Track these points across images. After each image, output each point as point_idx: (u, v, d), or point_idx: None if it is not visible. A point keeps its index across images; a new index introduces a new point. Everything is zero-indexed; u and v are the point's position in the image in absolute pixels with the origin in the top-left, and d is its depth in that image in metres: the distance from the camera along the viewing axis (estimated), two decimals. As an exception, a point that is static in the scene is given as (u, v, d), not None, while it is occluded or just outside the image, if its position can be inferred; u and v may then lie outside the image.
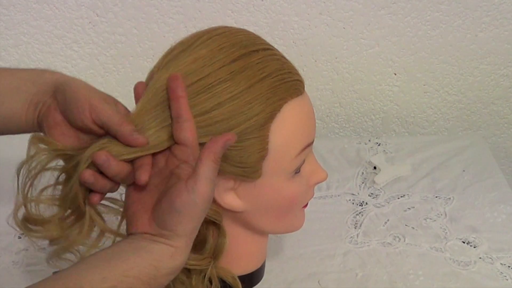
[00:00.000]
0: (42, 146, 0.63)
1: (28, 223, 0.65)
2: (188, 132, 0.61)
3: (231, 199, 0.70)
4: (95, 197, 0.63)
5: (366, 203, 1.05)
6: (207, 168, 0.58)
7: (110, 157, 0.60)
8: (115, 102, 0.65)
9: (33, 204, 0.64)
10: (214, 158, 0.58)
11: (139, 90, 0.65)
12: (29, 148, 0.63)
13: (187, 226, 0.59)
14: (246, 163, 0.66)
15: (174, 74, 0.62)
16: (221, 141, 0.59)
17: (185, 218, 0.58)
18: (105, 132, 0.62)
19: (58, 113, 0.64)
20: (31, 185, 0.63)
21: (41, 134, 0.64)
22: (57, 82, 0.65)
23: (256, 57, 0.65)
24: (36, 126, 0.66)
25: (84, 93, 0.62)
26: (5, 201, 1.05)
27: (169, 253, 0.59)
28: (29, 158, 0.62)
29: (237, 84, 0.63)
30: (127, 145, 0.61)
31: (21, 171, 0.63)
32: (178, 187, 0.59)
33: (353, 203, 1.06)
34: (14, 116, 0.66)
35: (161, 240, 0.59)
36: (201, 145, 0.63)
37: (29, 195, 0.64)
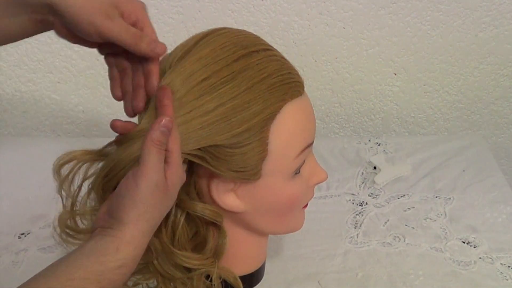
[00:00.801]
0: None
1: (71, 231, 0.67)
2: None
3: (231, 200, 0.70)
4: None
5: (366, 203, 1.05)
6: (146, 152, 0.59)
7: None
8: (118, 11, 0.62)
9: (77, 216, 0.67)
10: (152, 143, 0.59)
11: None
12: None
13: (131, 212, 0.59)
14: (247, 167, 0.66)
15: (163, 86, 0.63)
16: (156, 125, 0.59)
17: (128, 202, 0.59)
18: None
19: (64, 28, 0.62)
20: (76, 196, 0.66)
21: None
22: (49, 3, 0.60)
23: (257, 58, 0.65)
24: (35, 33, 0.66)
25: (84, 19, 0.59)
26: (6, 201, 1.05)
27: (115, 246, 0.59)
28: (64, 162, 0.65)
29: (239, 84, 0.64)
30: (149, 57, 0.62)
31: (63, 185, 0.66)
32: (127, 175, 0.60)
33: (353, 203, 1.06)
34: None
35: (108, 232, 0.59)
36: (204, 149, 0.64)
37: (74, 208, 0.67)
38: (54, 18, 0.61)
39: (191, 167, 0.68)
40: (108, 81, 1.10)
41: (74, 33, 0.62)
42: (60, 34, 0.63)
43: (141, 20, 0.63)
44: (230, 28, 0.68)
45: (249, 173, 0.67)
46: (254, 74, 0.64)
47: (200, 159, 0.65)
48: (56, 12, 0.60)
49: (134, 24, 0.63)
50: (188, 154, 0.64)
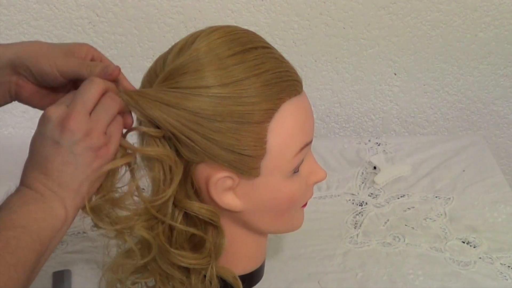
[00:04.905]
0: None
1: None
2: None
3: (229, 199, 0.69)
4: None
5: (366, 203, 1.05)
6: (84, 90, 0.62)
7: None
8: (74, 51, 0.68)
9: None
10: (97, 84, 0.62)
11: None
12: None
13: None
14: (240, 152, 0.65)
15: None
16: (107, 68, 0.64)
17: None
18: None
19: (30, 84, 0.68)
20: None
21: None
22: (12, 60, 0.67)
23: (254, 54, 0.65)
24: (10, 100, 0.70)
25: (46, 62, 0.65)
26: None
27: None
28: None
29: (231, 74, 0.63)
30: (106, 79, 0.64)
31: None
32: None
33: (353, 203, 1.06)
34: None
35: None
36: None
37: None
38: (18, 76, 0.68)
39: (188, 167, 0.68)
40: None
41: (37, 82, 0.67)
42: (22, 93, 0.69)
43: (97, 56, 0.69)
44: (229, 26, 0.68)
45: (245, 162, 0.66)
46: (249, 68, 0.64)
47: (189, 139, 0.64)
48: (19, 66, 0.66)
49: (92, 60, 0.69)
50: (177, 130, 0.64)
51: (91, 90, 0.61)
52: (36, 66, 0.66)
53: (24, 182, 0.60)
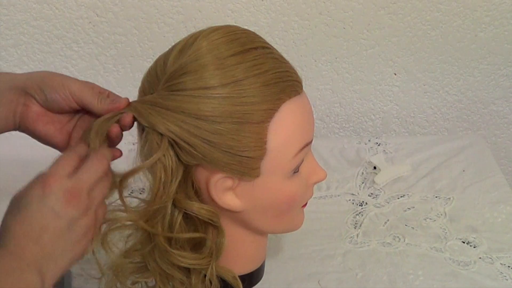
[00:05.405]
0: None
1: None
2: None
3: (230, 199, 0.70)
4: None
5: (366, 203, 1.05)
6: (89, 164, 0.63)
7: None
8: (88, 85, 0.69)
9: None
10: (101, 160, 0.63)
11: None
12: None
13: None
14: (240, 154, 0.65)
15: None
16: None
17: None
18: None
19: (37, 106, 0.68)
20: None
21: None
22: (23, 82, 0.68)
23: (253, 54, 0.65)
24: (13, 125, 0.71)
25: (59, 82, 0.67)
26: (6, 202, 1.05)
27: None
28: None
29: (231, 74, 0.63)
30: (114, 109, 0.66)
31: None
32: None
33: (353, 203, 1.06)
34: None
35: None
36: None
37: None
38: (27, 97, 0.68)
39: (188, 168, 0.68)
40: (107, 82, 1.11)
41: (46, 104, 0.68)
42: (28, 114, 0.69)
43: (103, 91, 0.70)
44: (230, 25, 0.68)
45: (245, 163, 0.66)
46: (249, 68, 0.64)
47: (188, 145, 0.64)
48: (30, 87, 0.67)
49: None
50: (176, 135, 0.64)
51: (99, 170, 0.61)
52: (49, 86, 0.67)
53: (11, 247, 0.57)
